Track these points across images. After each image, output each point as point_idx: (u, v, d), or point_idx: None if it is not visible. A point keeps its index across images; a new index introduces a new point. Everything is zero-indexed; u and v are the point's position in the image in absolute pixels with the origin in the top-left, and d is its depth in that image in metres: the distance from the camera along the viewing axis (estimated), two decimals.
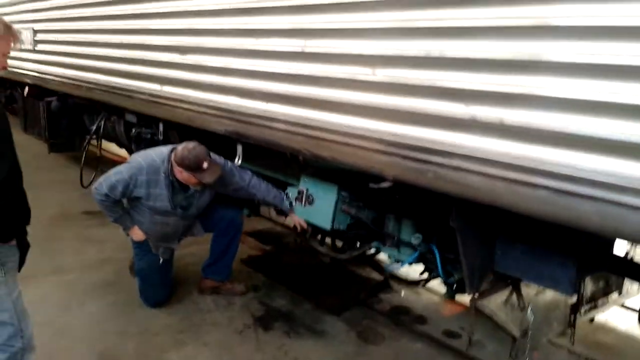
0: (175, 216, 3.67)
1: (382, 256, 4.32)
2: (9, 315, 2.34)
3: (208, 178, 3.42)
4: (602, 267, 2.85)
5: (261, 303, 4.07)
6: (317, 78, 2.69)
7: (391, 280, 4.47)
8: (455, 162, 2.12)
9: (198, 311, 3.92)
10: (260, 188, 3.76)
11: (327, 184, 3.42)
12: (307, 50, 2.73)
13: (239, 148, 3.91)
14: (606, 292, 3.15)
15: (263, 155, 3.80)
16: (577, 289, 2.77)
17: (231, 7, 3.22)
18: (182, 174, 3.47)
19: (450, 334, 3.77)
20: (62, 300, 3.94)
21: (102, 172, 4.15)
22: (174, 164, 3.47)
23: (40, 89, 6.97)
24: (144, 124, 5.17)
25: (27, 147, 5.01)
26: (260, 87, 3.08)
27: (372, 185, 2.87)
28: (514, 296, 2.92)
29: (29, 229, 2.44)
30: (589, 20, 1.67)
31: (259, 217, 5.27)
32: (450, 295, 3.41)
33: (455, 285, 3.25)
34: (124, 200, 3.64)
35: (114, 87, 4.77)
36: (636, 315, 3.43)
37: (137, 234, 3.72)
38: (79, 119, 6.95)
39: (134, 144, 5.47)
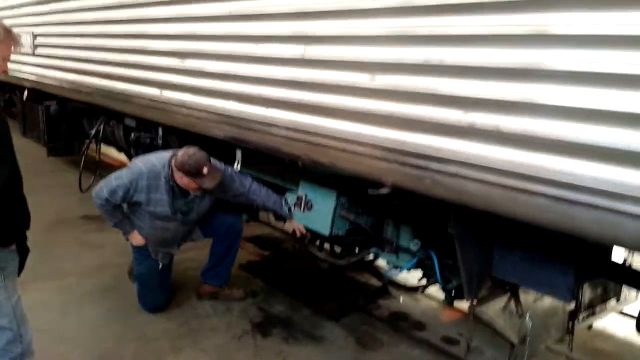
0: (175, 221, 3.68)
1: (381, 262, 4.32)
2: (9, 320, 2.34)
3: (208, 184, 3.42)
4: (600, 274, 2.86)
5: (260, 309, 4.06)
6: (316, 84, 2.70)
7: (390, 286, 4.47)
8: (453, 169, 2.13)
9: (196, 316, 3.91)
10: (261, 194, 3.77)
11: (326, 189, 3.42)
12: (307, 56, 2.74)
13: (238, 153, 3.92)
14: (604, 299, 3.16)
15: (262, 161, 3.81)
16: (575, 295, 2.77)
17: (231, 13, 3.23)
18: (182, 179, 3.47)
19: (449, 340, 3.76)
20: (60, 305, 3.94)
21: (101, 176, 4.16)
22: (175, 169, 3.48)
23: (40, 93, 6.97)
24: (143, 128, 5.18)
25: (26, 151, 5.02)
26: (259, 92, 3.09)
27: (370, 191, 2.88)
28: (512, 303, 2.92)
29: (28, 233, 2.44)
30: (587, 29, 1.68)
31: (257, 223, 5.28)
32: (448, 301, 3.41)
33: (453, 292, 3.25)
34: (124, 205, 3.65)
35: (113, 92, 4.78)
36: (634, 322, 3.42)
37: (137, 239, 3.72)
38: (78, 123, 6.96)
39: (133, 149, 5.48)
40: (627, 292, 3.27)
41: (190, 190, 3.58)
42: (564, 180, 1.79)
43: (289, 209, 3.70)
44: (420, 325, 3.97)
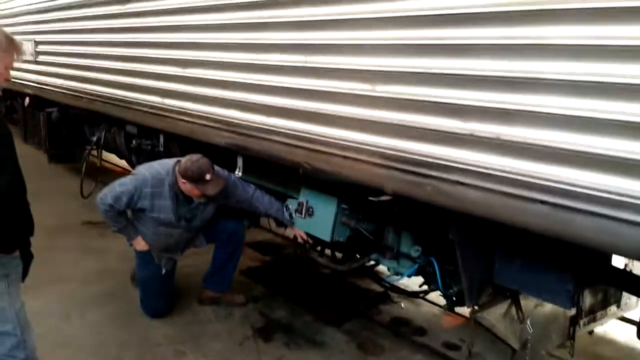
0: (179, 228, 3.69)
1: (382, 268, 4.33)
2: (12, 326, 2.35)
3: (211, 190, 3.44)
4: (601, 280, 2.87)
5: (261, 314, 4.08)
6: (317, 92, 2.72)
7: (391, 291, 4.48)
8: (454, 177, 2.14)
9: (198, 322, 3.93)
10: (263, 201, 3.79)
11: (327, 196, 3.43)
12: (308, 65, 2.76)
13: (240, 160, 3.94)
14: (605, 305, 3.16)
15: (263, 168, 3.82)
16: (575, 301, 2.78)
17: (233, 22, 3.25)
18: (185, 185, 3.50)
19: (450, 346, 3.77)
20: (62, 310, 3.95)
21: (102, 182, 4.17)
22: (178, 176, 3.50)
23: (41, 100, 7.00)
24: (145, 135, 5.20)
25: (27, 157, 5.02)
26: (261, 100, 3.11)
27: (371, 198, 2.90)
28: (513, 309, 2.93)
29: (31, 239, 2.45)
30: (584, 41, 1.71)
31: (258, 228, 5.30)
32: (450, 307, 3.42)
33: (454, 298, 3.26)
34: (128, 211, 3.67)
35: (115, 99, 4.80)
36: (635, 327, 3.43)
37: (141, 244, 3.74)
38: (79, 129, 6.98)
39: (134, 156, 5.50)
40: (628, 298, 3.28)
41: (193, 197, 3.60)
42: (561, 187, 1.80)
43: (290, 215, 3.71)
44: (421, 331, 3.98)
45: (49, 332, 3.55)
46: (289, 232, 3.99)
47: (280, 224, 4.19)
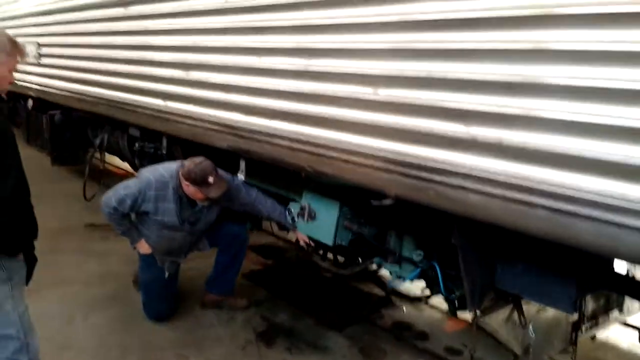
0: (182, 231, 3.70)
1: (385, 272, 4.33)
2: (16, 329, 2.35)
3: (214, 193, 3.45)
4: (603, 285, 2.86)
5: (263, 318, 4.07)
6: (320, 96, 2.72)
7: (393, 296, 4.48)
8: (456, 181, 2.14)
9: (201, 326, 3.93)
10: (266, 205, 3.80)
11: (329, 200, 3.44)
12: (310, 69, 2.76)
13: (242, 163, 3.95)
14: (607, 310, 3.16)
15: (266, 171, 3.83)
16: (578, 306, 2.78)
17: (235, 26, 3.26)
18: (188, 188, 3.50)
19: (452, 351, 3.77)
20: (65, 313, 3.96)
21: (105, 185, 4.18)
22: (182, 178, 3.51)
23: (44, 102, 7.01)
24: (148, 138, 5.20)
25: (30, 160, 5.01)
26: (263, 104, 3.11)
27: (373, 202, 2.90)
28: (516, 313, 2.93)
29: (35, 242, 2.46)
30: (585, 45, 1.71)
31: (261, 232, 5.29)
32: (452, 311, 3.41)
33: (457, 302, 3.25)
34: (132, 214, 3.68)
35: (118, 102, 4.81)
36: (637, 332, 3.43)
37: (144, 247, 3.75)
38: (82, 132, 6.97)
39: (137, 158, 5.50)
40: (630, 303, 3.28)
41: (197, 200, 3.61)
42: (563, 192, 1.80)
43: (293, 219, 3.71)
44: (423, 335, 3.97)
45: (51, 334, 3.56)
46: (292, 236, 3.99)
47: (283, 227, 4.20)
